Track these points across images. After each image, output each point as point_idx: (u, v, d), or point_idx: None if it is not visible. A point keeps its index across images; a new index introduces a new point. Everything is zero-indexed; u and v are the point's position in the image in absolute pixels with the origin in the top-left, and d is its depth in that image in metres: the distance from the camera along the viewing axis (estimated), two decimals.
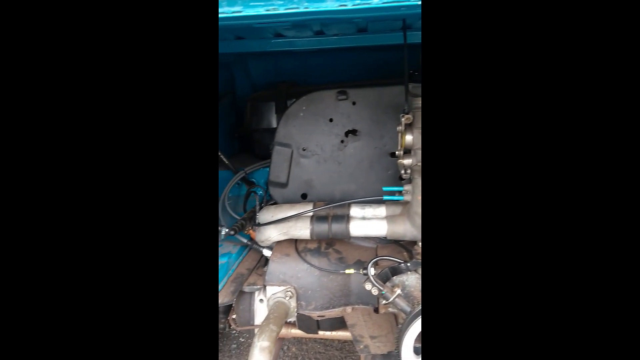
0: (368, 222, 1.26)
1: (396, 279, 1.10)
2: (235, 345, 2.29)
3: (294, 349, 2.46)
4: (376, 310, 1.27)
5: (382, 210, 1.28)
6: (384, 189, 1.23)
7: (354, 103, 1.37)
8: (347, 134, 1.40)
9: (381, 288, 1.05)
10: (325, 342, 2.30)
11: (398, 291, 1.04)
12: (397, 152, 1.10)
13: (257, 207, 1.46)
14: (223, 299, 1.23)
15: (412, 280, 1.09)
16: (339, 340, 2.28)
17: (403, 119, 1.07)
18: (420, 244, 1.14)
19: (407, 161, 1.11)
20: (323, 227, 1.25)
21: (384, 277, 1.10)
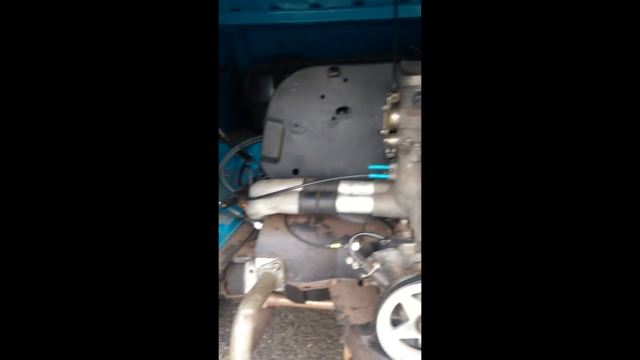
0: (355, 198, 1.28)
1: (377, 254, 1.14)
2: (235, 312, 2.40)
3: (291, 317, 2.57)
4: (360, 283, 1.32)
5: (369, 188, 1.30)
6: (370, 167, 1.25)
7: (345, 80, 1.36)
8: (338, 111, 1.40)
9: (361, 262, 1.08)
10: (321, 310, 2.40)
11: (377, 266, 1.07)
12: (382, 131, 1.10)
13: (250, 181, 1.49)
14: None
15: (392, 256, 1.13)
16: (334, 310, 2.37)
17: (389, 98, 1.07)
18: (403, 221, 1.16)
19: (392, 140, 1.12)
20: (310, 203, 1.28)
21: (366, 252, 1.14)
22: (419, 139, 1.08)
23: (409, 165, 1.14)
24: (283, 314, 2.56)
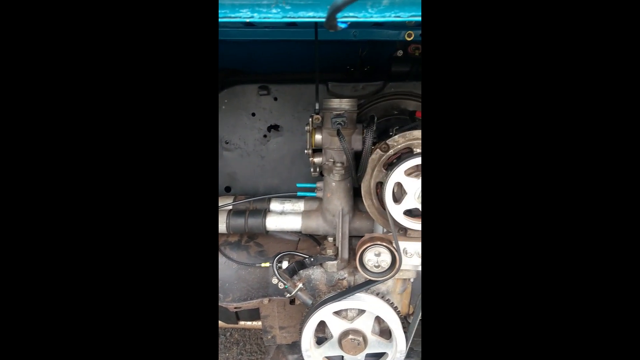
0: (285, 217, 1.29)
1: (303, 272, 1.15)
2: None
3: (236, 335, 2.51)
4: (292, 302, 1.32)
5: (300, 205, 1.32)
6: (298, 185, 1.26)
7: (275, 99, 1.38)
8: (269, 129, 1.41)
9: (284, 282, 1.08)
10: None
11: (300, 285, 1.08)
12: (306, 151, 1.12)
13: None
14: None
15: (317, 274, 1.14)
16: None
17: (312, 119, 1.09)
18: (329, 238, 1.18)
19: (317, 159, 1.14)
20: (239, 221, 1.27)
21: (291, 271, 1.14)
22: (341, 159, 1.11)
23: (333, 184, 1.16)
24: (229, 333, 2.48)
